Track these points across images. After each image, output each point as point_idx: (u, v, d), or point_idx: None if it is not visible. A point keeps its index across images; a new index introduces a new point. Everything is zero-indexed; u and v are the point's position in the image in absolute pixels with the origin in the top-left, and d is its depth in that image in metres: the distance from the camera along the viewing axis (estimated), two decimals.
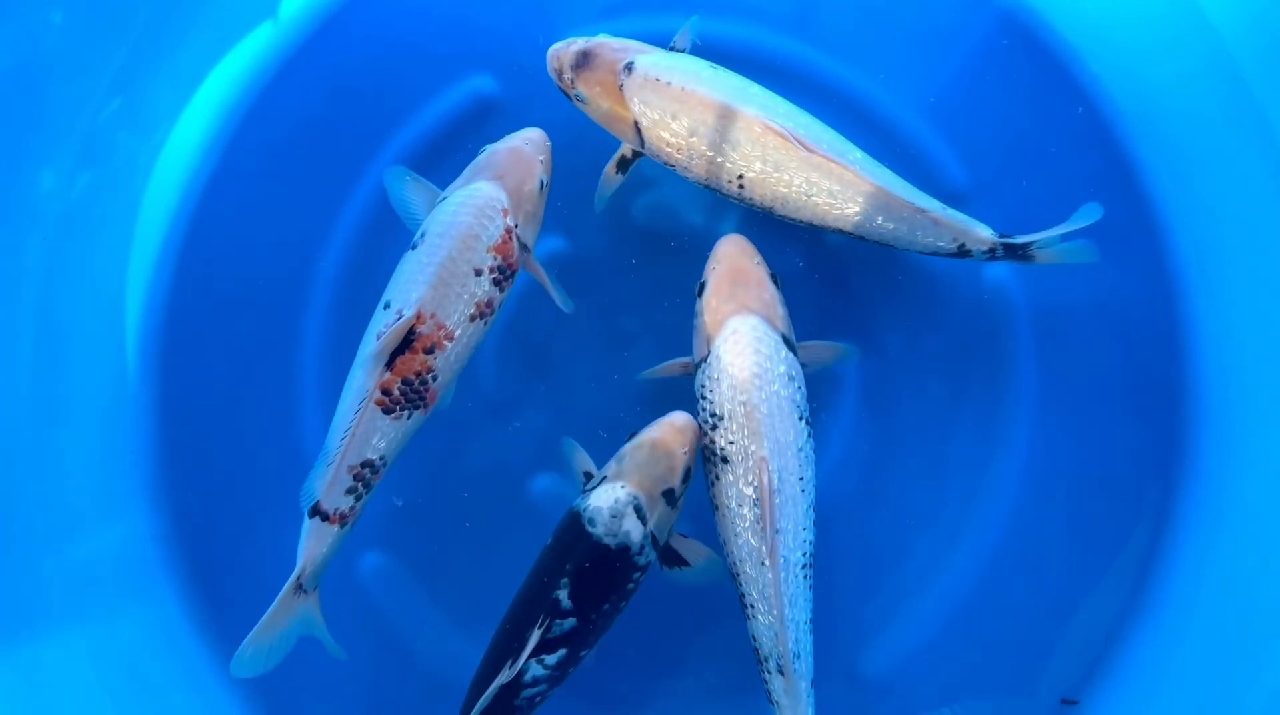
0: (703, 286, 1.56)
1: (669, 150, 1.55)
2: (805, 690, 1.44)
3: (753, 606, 1.44)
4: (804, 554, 1.43)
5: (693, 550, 1.54)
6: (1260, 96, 1.68)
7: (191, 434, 1.78)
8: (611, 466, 1.49)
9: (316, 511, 1.45)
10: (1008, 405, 1.75)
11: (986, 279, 1.76)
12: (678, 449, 1.46)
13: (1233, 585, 1.64)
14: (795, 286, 1.70)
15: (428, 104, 1.83)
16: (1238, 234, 1.72)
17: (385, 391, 1.44)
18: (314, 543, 1.46)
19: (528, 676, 1.41)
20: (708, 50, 1.70)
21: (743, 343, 1.46)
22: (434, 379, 1.47)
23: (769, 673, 1.45)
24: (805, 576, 1.44)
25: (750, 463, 1.41)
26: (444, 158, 1.79)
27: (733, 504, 1.43)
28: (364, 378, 1.45)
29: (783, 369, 1.46)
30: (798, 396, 1.47)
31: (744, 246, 1.58)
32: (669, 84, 1.52)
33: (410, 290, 1.46)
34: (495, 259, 1.49)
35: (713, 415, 1.45)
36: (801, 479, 1.43)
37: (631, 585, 1.46)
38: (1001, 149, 1.81)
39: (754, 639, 1.46)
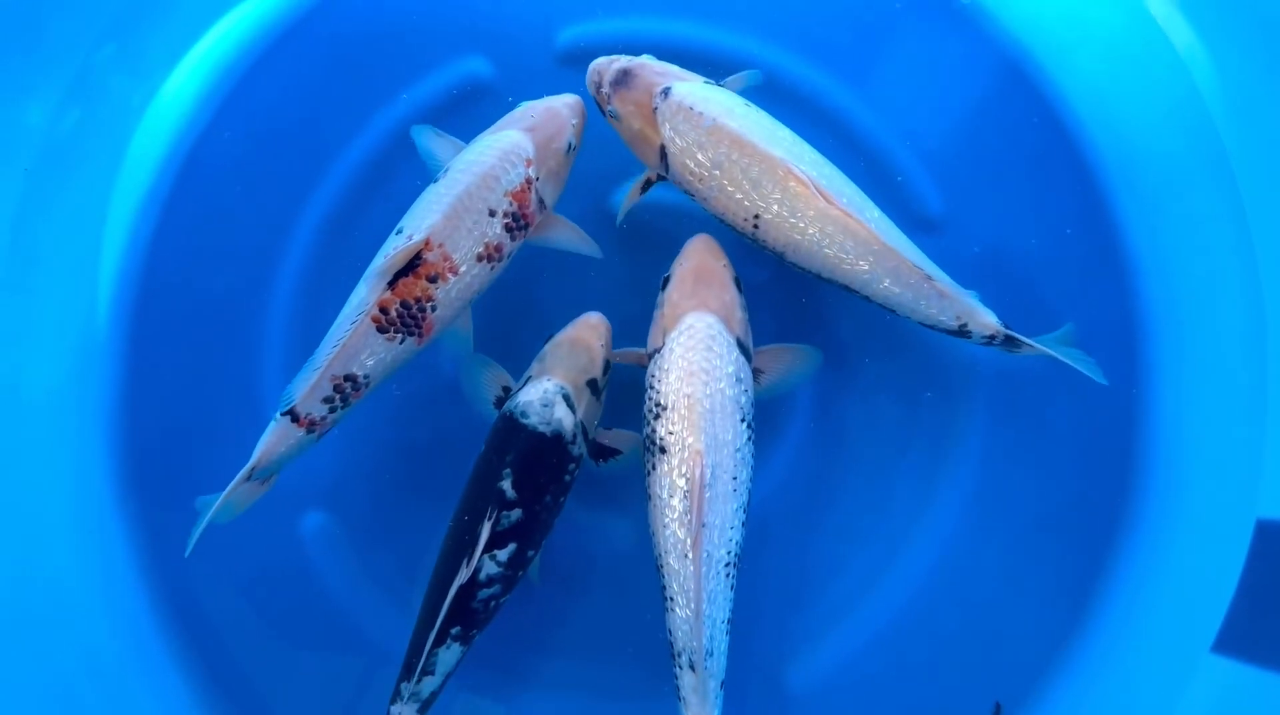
0: (667, 280, 1.58)
1: (691, 179, 1.55)
2: (714, 690, 1.44)
3: (672, 599, 1.44)
4: (729, 552, 1.44)
5: (621, 439, 1.62)
6: (1235, 163, 1.72)
7: (156, 383, 1.80)
8: (534, 367, 1.57)
9: (290, 412, 1.46)
10: (959, 433, 1.76)
11: None
12: (595, 342, 1.58)
13: (1158, 635, 1.66)
14: (760, 295, 1.72)
15: (422, 80, 1.86)
16: (1201, 289, 1.75)
17: (383, 310, 1.46)
18: (275, 440, 1.47)
19: (483, 575, 1.45)
20: (694, 58, 1.74)
21: (696, 338, 1.48)
22: (433, 309, 1.49)
23: (680, 668, 1.45)
24: (728, 576, 1.44)
25: (686, 455, 1.42)
26: (405, 151, 1.81)
27: (664, 494, 1.44)
28: (366, 292, 1.47)
29: (731, 369, 1.47)
30: (743, 399, 1.48)
31: (713, 247, 1.60)
32: (701, 114, 1.53)
33: (424, 217, 1.49)
34: (511, 204, 1.52)
35: (657, 405, 1.47)
36: (735, 479, 1.44)
37: (568, 477, 1.52)
38: (979, 182, 1.83)
39: (670, 632, 1.46)
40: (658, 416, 1.46)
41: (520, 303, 1.78)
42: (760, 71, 1.70)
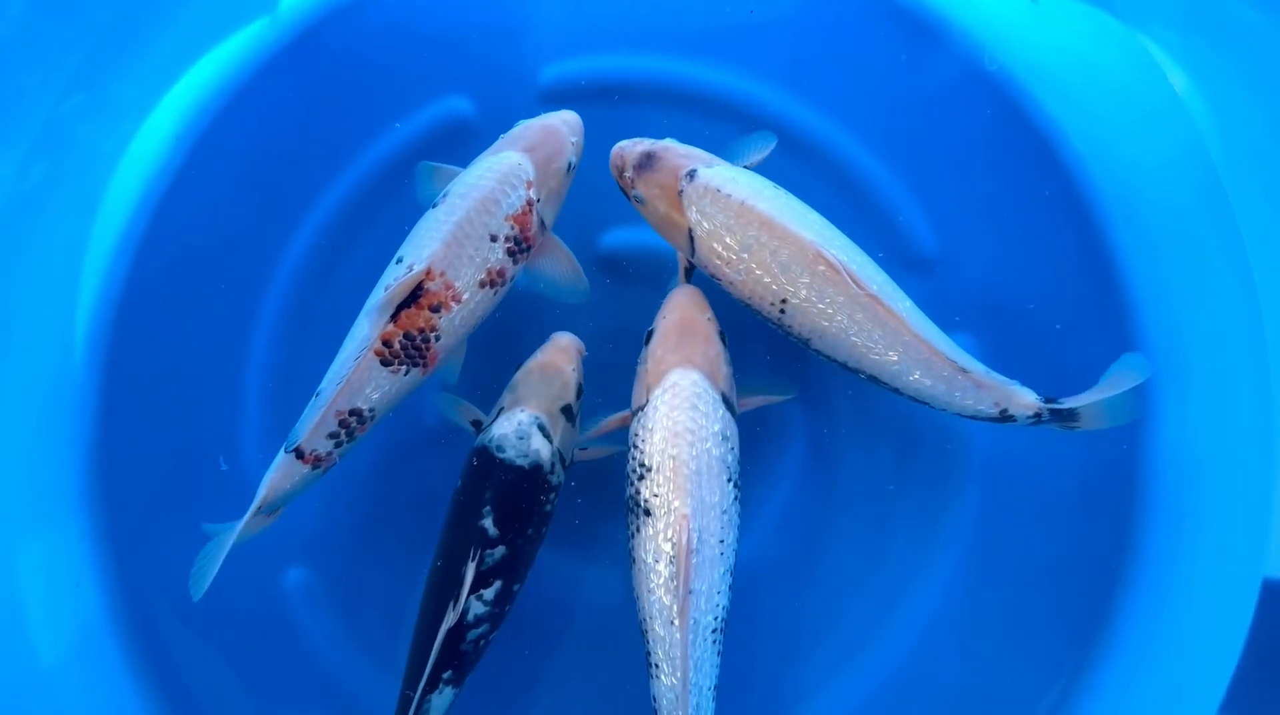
0: (650, 334, 1.55)
1: (718, 263, 1.51)
2: None
3: (657, 666, 1.41)
4: (716, 618, 1.40)
5: (598, 453, 1.64)
6: (1235, 202, 1.69)
7: (131, 436, 1.76)
8: (506, 398, 1.54)
9: (294, 448, 1.44)
10: (955, 481, 1.72)
11: None
12: (566, 367, 1.55)
13: (1162, 696, 1.63)
14: (748, 343, 1.68)
15: (402, 121, 1.83)
16: (1205, 332, 1.72)
17: (386, 343, 1.43)
18: (280, 476, 1.44)
19: (470, 616, 1.42)
20: (679, 96, 1.72)
21: (681, 396, 1.44)
22: (436, 339, 1.46)
23: None
24: (714, 642, 1.41)
25: (672, 518, 1.38)
26: (412, 175, 1.79)
27: (649, 559, 1.40)
28: (367, 327, 1.44)
29: (717, 428, 1.44)
30: (729, 458, 1.44)
31: (697, 299, 1.57)
32: (729, 197, 1.48)
33: (423, 246, 1.46)
34: (513, 228, 1.50)
35: (641, 465, 1.43)
36: (722, 541, 1.40)
37: (549, 507, 1.51)
38: (975, 217, 1.79)
39: (654, 699, 1.43)
40: (642, 477, 1.43)
41: (506, 337, 1.75)
42: (774, 134, 1.65)
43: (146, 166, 1.80)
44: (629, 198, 1.60)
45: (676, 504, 1.39)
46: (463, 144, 1.80)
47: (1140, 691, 1.63)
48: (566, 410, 1.53)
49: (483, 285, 1.48)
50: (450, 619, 1.40)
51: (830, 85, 1.83)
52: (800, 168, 1.79)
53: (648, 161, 1.56)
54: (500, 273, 1.50)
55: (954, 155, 1.81)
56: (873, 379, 1.50)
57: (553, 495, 1.51)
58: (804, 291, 1.45)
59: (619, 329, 1.74)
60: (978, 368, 1.47)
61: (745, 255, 1.47)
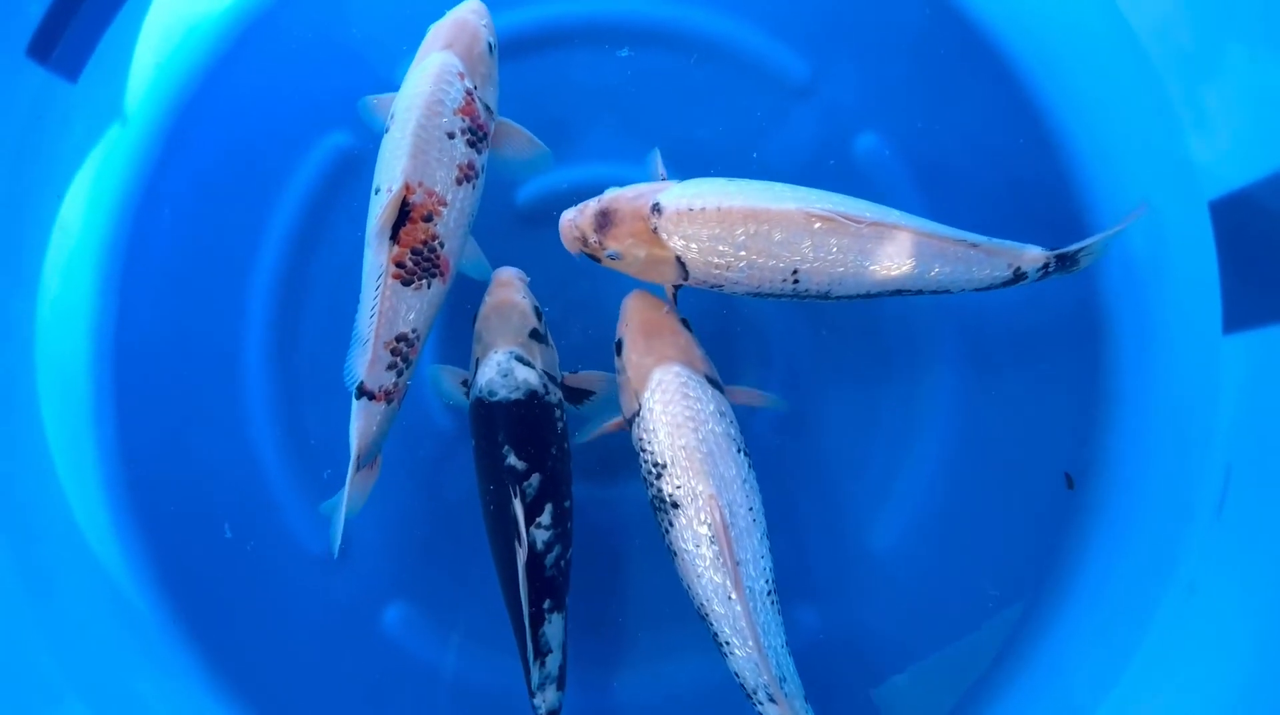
0: (619, 344, 1.60)
1: (718, 272, 1.52)
2: (802, 708, 1.48)
3: (728, 643, 1.47)
4: (767, 581, 1.47)
5: (590, 380, 1.69)
6: None
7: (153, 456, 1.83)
8: (476, 349, 1.61)
9: (363, 392, 1.51)
10: (934, 338, 1.83)
11: None
12: (516, 297, 1.62)
13: (1177, 336, 1.77)
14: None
15: (294, 173, 1.87)
16: (1097, 84, 1.83)
17: (399, 264, 1.51)
18: (364, 422, 1.52)
19: (539, 545, 1.49)
20: (536, 30, 1.88)
21: (670, 391, 1.50)
22: (441, 246, 1.54)
23: (761, 703, 1.48)
24: (773, 603, 1.48)
25: (700, 502, 1.45)
26: (325, 215, 1.86)
27: (690, 546, 1.46)
28: (375, 257, 1.52)
29: (713, 407, 1.50)
30: (732, 431, 1.51)
31: (649, 299, 1.62)
32: (704, 209, 1.50)
33: (392, 166, 1.53)
34: (463, 121, 1.57)
35: (656, 465, 1.49)
36: (751, 510, 1.47)
37: (560, 424, 1.58)
38: (839, 34, 1.87)
39: (737, 675, 1.49)
40: (660, 476, 1.49)
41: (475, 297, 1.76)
42: (657, 150, 1.71)
43: (73, 318, 1.86)
44: (601, 261, 1.60)
45: (700, 488, 1.45)
46: (355, 173, 1.86)
47: (1161, 348, 1.77)
48: (534, 334, 1.59)
49: (459, 183, 1.56)
50: (522, 556, 1.45)
51: None
52: (653, 52, 1.89)
53: (606, 219, 1.56)
54: (470, 166, 1.57)
55: None
56: (896, 293, 1.55)
57: (558, 411, 1.57)
58: (810, 253, 1.49)
59: (558, 278, 1.79)
60: (984, 238, 1.54)
61: (744, 252, 1.50)
